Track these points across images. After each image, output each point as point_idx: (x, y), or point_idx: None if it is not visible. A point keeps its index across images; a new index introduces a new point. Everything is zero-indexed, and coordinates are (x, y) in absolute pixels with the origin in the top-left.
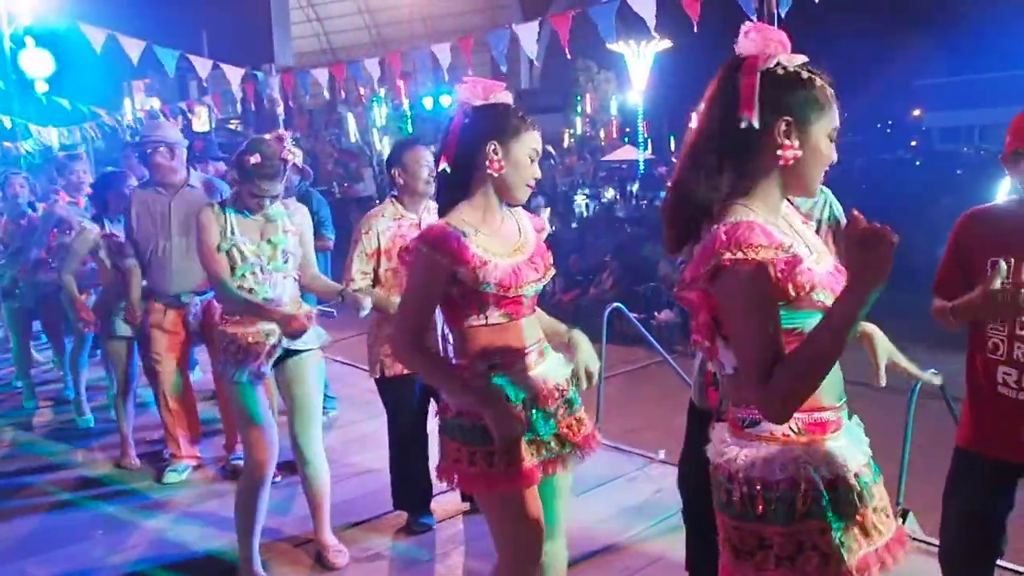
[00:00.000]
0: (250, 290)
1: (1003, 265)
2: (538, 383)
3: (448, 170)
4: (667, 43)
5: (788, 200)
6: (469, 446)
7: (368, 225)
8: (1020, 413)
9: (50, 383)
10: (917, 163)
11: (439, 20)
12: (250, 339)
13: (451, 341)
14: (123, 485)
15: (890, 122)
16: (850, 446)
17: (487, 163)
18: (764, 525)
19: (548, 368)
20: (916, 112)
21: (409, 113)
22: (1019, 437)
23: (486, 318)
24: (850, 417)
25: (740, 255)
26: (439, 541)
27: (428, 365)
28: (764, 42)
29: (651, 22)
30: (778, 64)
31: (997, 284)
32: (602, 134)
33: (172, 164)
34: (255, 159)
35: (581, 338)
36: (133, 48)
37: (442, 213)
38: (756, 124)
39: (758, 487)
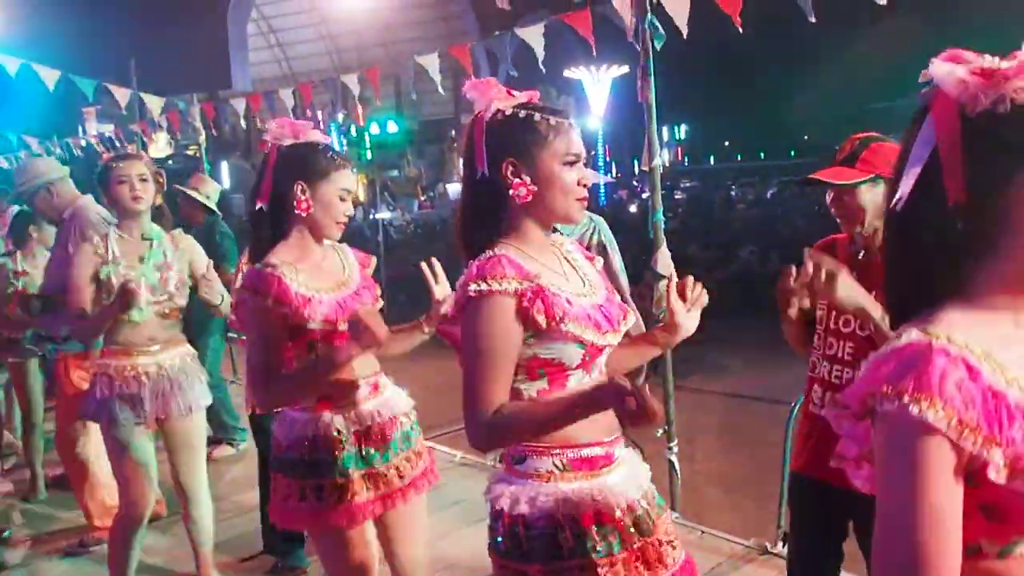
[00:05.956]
0: (129, 319)
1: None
2: (372, 417)
3: (264, 209)
4: (625, 69)
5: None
6: (298, 480)
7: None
8: (825, 430)
9: None
10: None
11: (400, 45)
12: (127, 371)
13: None
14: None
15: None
16: (624, 480)
17: (295, 203)
18: (528, 564)
19: (383, 401)
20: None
21: (368, 139)
22: (826, 456)
23: (315, 355)
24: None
25: (484, 287)
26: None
27: (296, 381)
28: (481, 96)
29: (540, 54)
30: (498, 111)
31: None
32: None
33: (53, 203)
34: (107, 156)
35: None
36: (49, 77)
37: (254, 254)
38: (487, 172)
39: (520, 525)
